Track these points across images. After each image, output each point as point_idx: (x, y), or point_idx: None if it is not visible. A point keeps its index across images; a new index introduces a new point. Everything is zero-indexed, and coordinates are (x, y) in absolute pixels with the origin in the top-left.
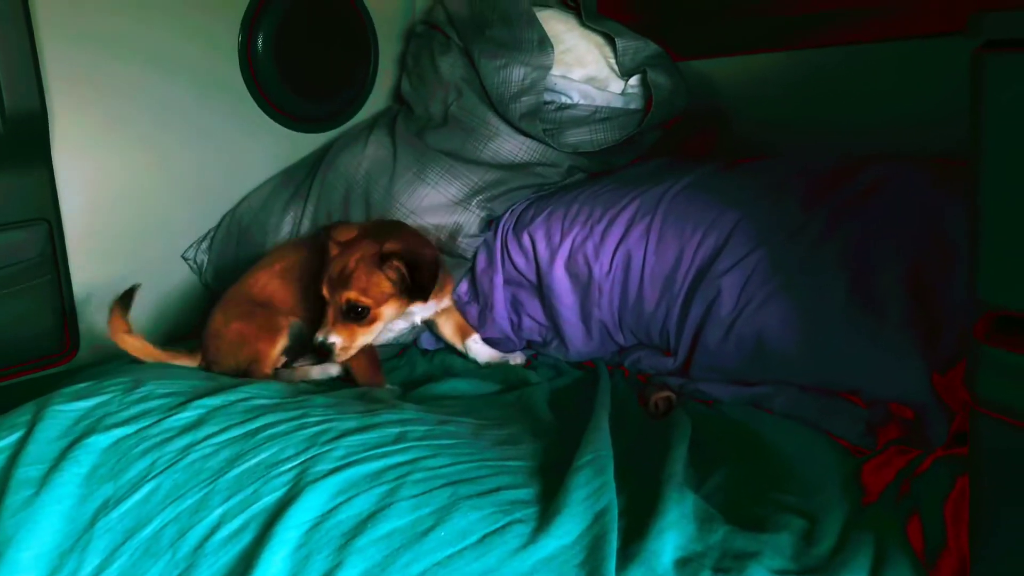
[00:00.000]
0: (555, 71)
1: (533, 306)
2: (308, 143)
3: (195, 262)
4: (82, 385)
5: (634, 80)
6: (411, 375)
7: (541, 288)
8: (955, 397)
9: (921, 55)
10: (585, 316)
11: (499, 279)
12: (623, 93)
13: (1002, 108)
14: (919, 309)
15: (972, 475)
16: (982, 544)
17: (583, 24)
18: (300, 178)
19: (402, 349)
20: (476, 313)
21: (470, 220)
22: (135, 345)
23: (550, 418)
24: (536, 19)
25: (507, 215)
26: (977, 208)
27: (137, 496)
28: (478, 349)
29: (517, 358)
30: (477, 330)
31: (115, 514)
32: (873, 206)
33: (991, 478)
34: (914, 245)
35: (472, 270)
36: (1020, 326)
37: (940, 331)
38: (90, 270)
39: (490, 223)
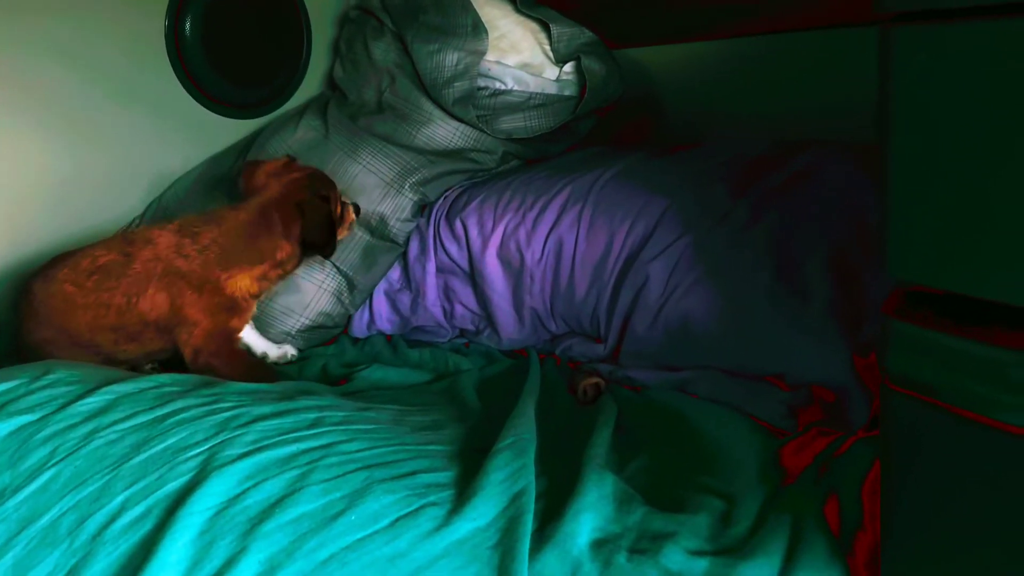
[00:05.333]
0: (489, 57)
1: (466, 294)
2: (239, 129)
3: None
4: None
5: (569, 67)
6: (341, 362)
7: (474, 276)
8: (876, 379)
9: (853, 43)
10: (517, 304)
11: (431, 266)
12: (558, 80)
13: (908, 81)
14: (843, 293)
15: (883, 452)
16: (892, 521)
17: (518, 10)
18: (228, 164)
19: (333, 338)
20: (408, 301)
21: (402, 204)
22: None
23: (476, 405)
24: (470, 4)
25: (440, 201)
26: (885, 183)
27: (35, 485)
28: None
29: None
30: (409, 319)
31: (11, 504)
32: (800, 192)
33: (901, 455)
34: (839, 230)
35: (404, 256)
36: (930, 301)
37: (863, 315)
38: (11, 260)
39: (423, 208)
